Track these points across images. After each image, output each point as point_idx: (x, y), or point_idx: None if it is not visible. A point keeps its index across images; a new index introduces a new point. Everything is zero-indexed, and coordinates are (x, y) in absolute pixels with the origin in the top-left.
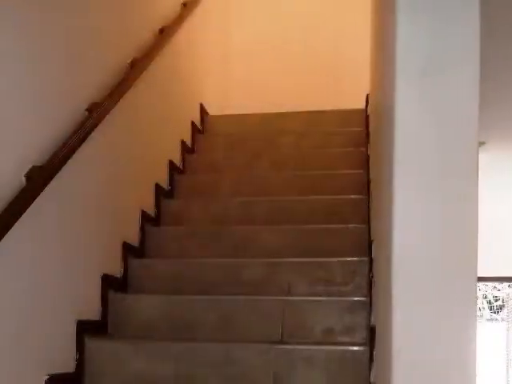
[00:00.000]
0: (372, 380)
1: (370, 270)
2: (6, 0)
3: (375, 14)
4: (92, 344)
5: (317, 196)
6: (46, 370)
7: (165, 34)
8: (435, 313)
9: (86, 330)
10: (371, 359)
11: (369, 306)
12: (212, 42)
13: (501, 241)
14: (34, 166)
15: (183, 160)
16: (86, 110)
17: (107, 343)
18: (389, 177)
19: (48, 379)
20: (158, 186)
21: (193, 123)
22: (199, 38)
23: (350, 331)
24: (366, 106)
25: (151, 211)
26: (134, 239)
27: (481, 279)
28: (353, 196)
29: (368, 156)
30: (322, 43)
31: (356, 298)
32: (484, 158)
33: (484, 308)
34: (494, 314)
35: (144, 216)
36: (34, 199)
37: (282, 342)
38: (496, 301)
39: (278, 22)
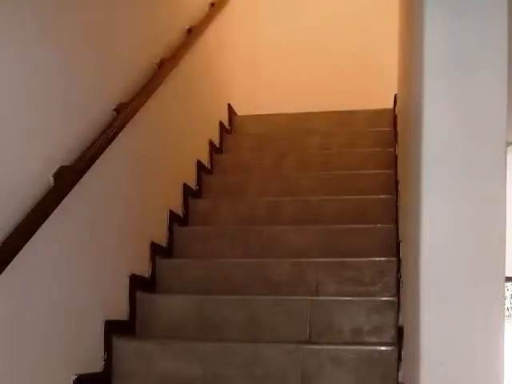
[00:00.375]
0: (400, 380)
1: (398, 269)
2: (38, 0)
3: (403, 13)
4: (120, 344)
5: (345, 196)
6: (74, 370)
7: (193, 33)
8: (463, 313)
9: (113, 330)
10: (399, 359)
11: (397, 305)
12: (240, 42)
13: None
14: (62, 166)
15: (211, 160)
16: (114, 110)
17: (135, 343)
18: (417, 177)
19: (76, 379)
20: (185, 186)
21: (221, 123)
22: (227, 38)
23: (378, 331)
24: (394, 105)
25: (179, 211)
26: (161, 239)
27: (509, 279)
28: (381, 196)
29: (396, 156)
30: (350, 43)
31: (384, 298)
32: None
33: None
34: None
35: (172, 216)
36: (62, 199)
37: (309, 341)
38: None
39: (306, 22)
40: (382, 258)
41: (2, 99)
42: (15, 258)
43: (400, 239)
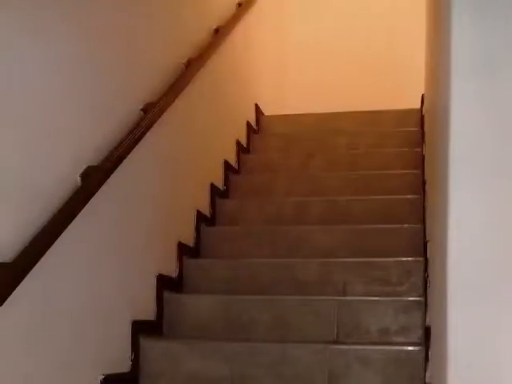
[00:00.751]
0: (427, 380)
1: (426, 269)
2: (65, 1)
3: (430, 13)
4: (147, 344)
5: (372, 196)
6: (101, 370)
7: (220, 33)
8: (490, 315)
9: (141, 330)
10: (426, 359)
11: (424, 305)
12: (267, 42)
13: None
14: (89, 166)
15: (238, 160)
16: (142, 109)
17: (162, 343)
18: (444, 177)
19: (103, 379)
20: (213, 186)
21: (248, 123)
22: (255, 38)
23: (406, 331)
24: (422, 105)
25: (206, 211)
26: (189, 239)
27: None
28: (408, 196)
29: (423, 156)
30: (378, 43)
31: (411, 298)
32: None
33: None
34: None
35: (199, 216)
36: (90, 199)
37: (337, 341)
38: None
39: (333, 22)
40: (410, 258)
41: (30, 99)
42: (42, 259)
43: (427, 239)
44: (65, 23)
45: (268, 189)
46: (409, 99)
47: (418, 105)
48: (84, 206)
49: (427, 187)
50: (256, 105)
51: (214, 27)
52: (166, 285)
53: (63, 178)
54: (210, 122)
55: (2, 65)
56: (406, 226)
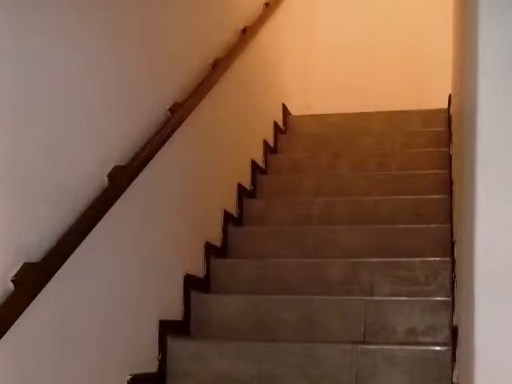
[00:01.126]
0: (455, 380)
1: (453, 270)
2: (92, 1)
3: (457, 12)
4: (174, 344)
5: (399, 196)
6: (128, 370)
7: (247, 33)
8: None
9: (168, 329)
10: (453, 359)
11: (451, 305)
12: (294, 42)
13: None
14: (116, 166)
15: (265, 160)
16: (169, 110)
17: (189, 343)
18: (471, 177)
19: (131, 379)
20: (240, 186)
21: (275, 123)
22: (281, 38)
23: (433, 331)
24: (449, 105)
25: (233, 211)
26: (216, 239)
27: None
28: (435, 196)
29: (450, 156)
30: (405, 43)
31: (438, 298)
32: None
33: None
34: None
35: (226, 216)
36: (117, 199)
37: (364, 341)
38: None
39: (360, 21)
40: (437, 258)
41: (57, 99)
42: (69, 258)
43: (454, 239)
44: (93, 24)
45: (295, 189)
46: (436, 99)
47: (445, 105)
48: (111, 206)
49: (454, 187)
50: (283, 105)
51: (242, 27)
52: (193, 285)
53: (90, 178)
54: (237, 122)
55: (36, 65)
56: (433, 225)
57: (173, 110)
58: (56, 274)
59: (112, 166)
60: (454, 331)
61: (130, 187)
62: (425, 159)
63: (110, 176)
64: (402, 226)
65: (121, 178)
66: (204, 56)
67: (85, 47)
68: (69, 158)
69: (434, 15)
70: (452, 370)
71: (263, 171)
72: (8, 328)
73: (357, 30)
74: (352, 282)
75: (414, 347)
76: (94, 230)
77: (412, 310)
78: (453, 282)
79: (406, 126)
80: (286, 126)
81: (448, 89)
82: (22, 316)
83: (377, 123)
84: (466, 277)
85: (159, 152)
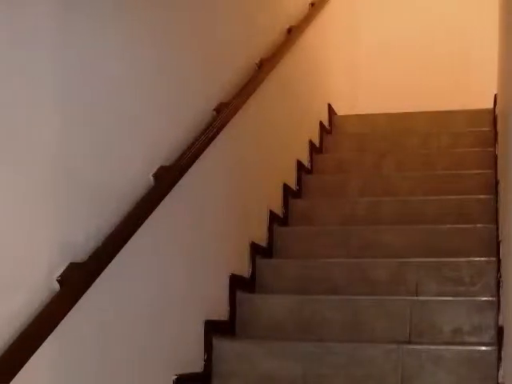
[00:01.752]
0: (500, 380)
1: (498, 270)
2: (141, 2)
3: (503, 13)
4: (220, 344)
5: (444, 196)
6: (174, 370)
7: (293, 33)
8: None
9: (213, 330)
10: (499, 359)
11: (497, 305)
12: (340, 42)
13: None
14: (162, 166)
15: (311, 160)
16: (214, 110)
17: (235, 343)
18: None
19: (176, 379)
20: (285, 186)
21: (321, 123)
22: (327, 38)
23: (478, 331)
24: (494, 105)
25: (279, 211)
26: (261, 239)
27: None
28: (481, 196)
29: (496, 156)
30: (450, 43)
31: (484, 298)
32: None
33: None
34: None
35: (272, 216)
36: (162, 199)
37: (409, 342)
38: None
39: (404, 22)
40: (482, 258)
41: (105, 99)
42: (115, 259)
43: (500, 239)
44: (143, 25)
45: (340, 189)
46: (481, 99)
47: (490, 105)
48: (157, 206)
49: (500, 187)
50: (329, 105)
51: (287, 27)
52: (238, 285)
53: (136, 178)
54: (282, 122)
55: (84, 65)
56: (478, 225)
57: (219, 110)
58: (101, 274)
59: (158, 166)
60: (500, 331)
61: (175, 187)
62: (470, 159)
63: (156, 176)
64: (448, 226)
65: (166, 178)
66: (250, 56)
67: (133, 47)
68: (115, 158)
69: (480, 15)
70: (498, 370)
71: (309, 171)
72: (54, 328)
73: (403, 31)
74: (397, 282)
75: (460, 347)
76: (140, 229)
77: (458, 310)
78: (498, 282)
79: (451, 126)
80: (331, 125)
81: (494, 89)
82: (67, 316)
83: (422, 123)
84: None
85: (205, 152)
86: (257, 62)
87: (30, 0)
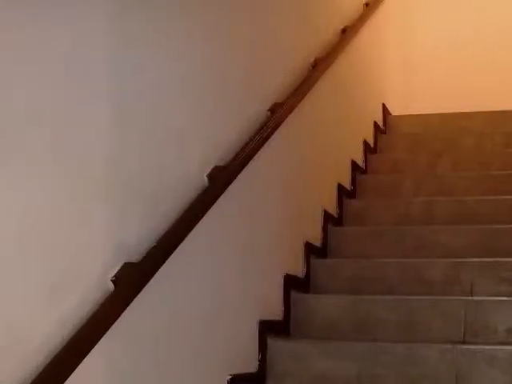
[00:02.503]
0: None
1: None
2: (194, 5)
3: None
4: (274, 344)
5: (500, 196)
6: (228, 370)
7: (347, 33)
8: None
9: (268, 330)
10: None
11: None
12: (394, 42)
13: None
14: (216, 167)
15: (365, 160)
16: (269, 110)
17: (289, 343)
18: None
19: (231, 379)
20: (340, 186)
21: (375, 123)
22: (381, 38)
23: None
24: None
25: (333, 211)
26: (316, 239)
27: None
28: None
29: None
30: (505, 42)
31: None
32: None
33: None
34: None
35: (326, 216)
36: (216, 200)
37: (464, 342)
38: None
39: (458, 23)
40: None
41: (158, 99)
42: (169, 259)
43: None
44: (199, 26)
45: (395, 189)
46: None
47: None
48: (211, 206)
49: None
50: (383, 105)
51: (341, 27)
52: (293, 285)
53: (190, 178)
54: (337, 122)
55: (136, 66)
56: None
57: (273, 110)
58: (156, 275)
59: (212, 166)
60: None
61: (229, 187)
62: None
63: (210, 176)
64: (503, 226)
65: (221, 179)
66: (304, 56)
67: (189, 48)
68: (170, 158)
69: None
70: None
71: (363, 171)
72: (108, 328)
73: (457, 32)
74: (452, 282)
75: None
76: (194, 230)
77: None
78: None
79: (506, 126)
80: (385, 125)
81: None
82: (121, 316)
83: (477, 123)
84: None
85: (259, 152)
86: (311, 62)
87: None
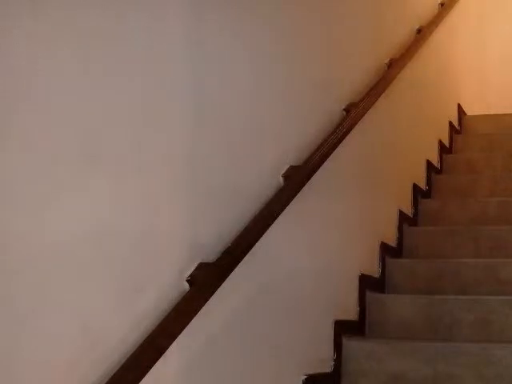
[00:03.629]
0: None
1: None
2: (271, 3)
3: None
4: (349, 344)
5: None
6: (303, 370)
7: (422, 34)
8: None
9: (343, 330)
10: None
11: None
12: (470, 42)
13: None
14: (291, 166)
15: (441, 160)
16: (344, 110)
17: (365, 343)
18: None
19: (305, 379)
20: (415, 186)
21: (450, 123)
22: (457, 38)
23: None
24: None
25: (408, 211)
26: (391, 239)
27: None
28: None
29: None
30: None
31: None
32: None
33: None
34: None
35: (401, 216)
36: (292, 199)
37: None
38: None
39: None
40: None
41: (234, 99)
42: (244, 259)
43: None
44: (274, 26)
45: (470, 189)
46: None
47: None
48: (286, 206)
49: None
50: (458, 105)
51: (417, 27)
52: (368, 285)
53: (266, 178)
54: (411, 122)
55: (212, 66)
56: None
57: (348, 110)
58: (231, 274)
59: (287, 166)
60: None
61: (305, 187)
62: None
63: (286, 176)
64: None
65: (296, 178)
66: (380, 56)
67: (264, 49)
68: (245, 158)
69: None
70: None
71: (438, 171)
72: (184, 327)
73: None
74: None
75: None
76: (269, 230)
77: None
78: None
79: None
80: (461, 126)
81: None
82: (197, 316)
83: None
84: None
85: (334, 152)
86: (386, 62)
87: (161, 1)
